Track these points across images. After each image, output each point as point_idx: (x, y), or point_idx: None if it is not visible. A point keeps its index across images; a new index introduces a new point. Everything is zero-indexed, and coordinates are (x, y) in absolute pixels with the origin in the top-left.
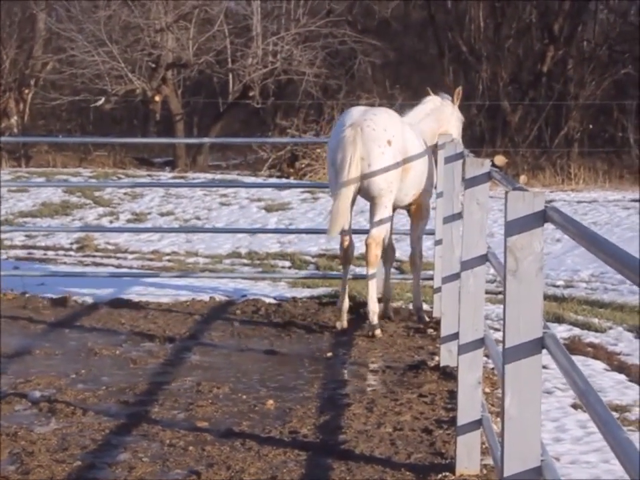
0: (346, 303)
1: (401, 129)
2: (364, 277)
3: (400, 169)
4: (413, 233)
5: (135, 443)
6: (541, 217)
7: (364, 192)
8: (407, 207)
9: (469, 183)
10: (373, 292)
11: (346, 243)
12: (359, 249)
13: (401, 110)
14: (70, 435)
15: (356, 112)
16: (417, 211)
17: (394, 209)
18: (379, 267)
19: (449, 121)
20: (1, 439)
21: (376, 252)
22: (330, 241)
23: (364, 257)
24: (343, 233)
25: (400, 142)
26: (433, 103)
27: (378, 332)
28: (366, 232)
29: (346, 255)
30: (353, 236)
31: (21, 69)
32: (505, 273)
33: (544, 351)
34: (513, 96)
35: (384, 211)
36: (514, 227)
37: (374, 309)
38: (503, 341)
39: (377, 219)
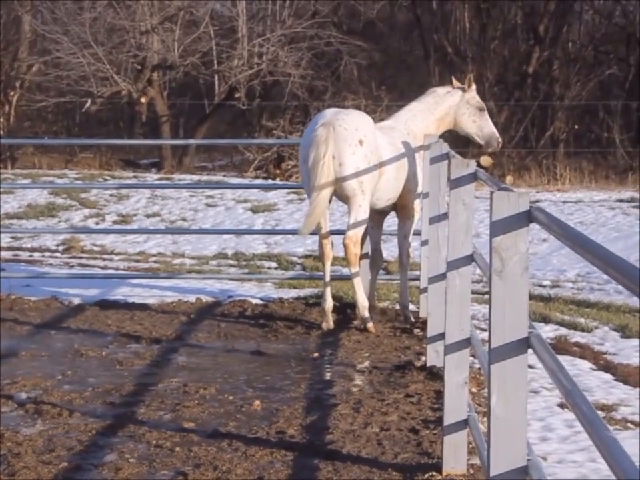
0: (329, 303)
1: (372, 131)
2: (350, 278)
3: (376, 171)
4: (399, 232)
5: (122, 444)
6: (526, 217)
7: (338, 192)
8: (392, 208)
9: (455, 183)
10: (359, 288)
11: (324, 240)
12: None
13: (390, 110)
14: (56, 436)
15: (329, 112)
16: (402, 211)
17: (374, 212)
18: (361, 265)
19: (458, 110)
20: None
21: (355, 251)
22: (316, 241)
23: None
24: (320, 231)
25: (372, 143)
26: (432, 96)
27: (370, 325)
28: (343, 232)
29: (324, 252)
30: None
31: (6, 70)
32: (490, 273)
33: (530, 350)
34: (498, 96)
35: (359, 210)
36: (499, 227)
37: (363, 303)
38: (489, 341)
39: (352, 219)
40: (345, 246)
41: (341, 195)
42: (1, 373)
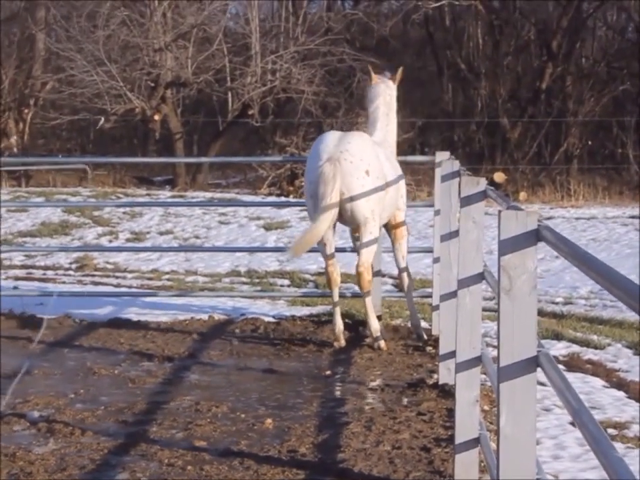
0: (339, 326)
1: (375, 155)
2: (361, 295)
3: (382, 192)
4: (397, 254)
5: (134, 463)
6: (534, 236)
7: (349, 221)
8: (387, 229)
9: (465, 201)
10: (371, 311)
11: (331, 267)
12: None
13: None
14: (68, 455)
15: (330, 141)
16: (397, 229)
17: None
18: (373, 287)
19: (394, 106)
20: (0, 459)
21: (368, 278)
22: None
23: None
24: (327, 257)
25: (377, 168)
26: (383, 97)
27: (382, 344)
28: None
29: (332, 279)
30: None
31: (21, 88)
32: (498, 291)
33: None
34: (512, 113)
35: (370, 237)
36: (507, 246)
37: (375, 326)
38: (498, 360)
39: (364, 246)
40: (359, 274)
41: (352, 223)
42: (14, 392)
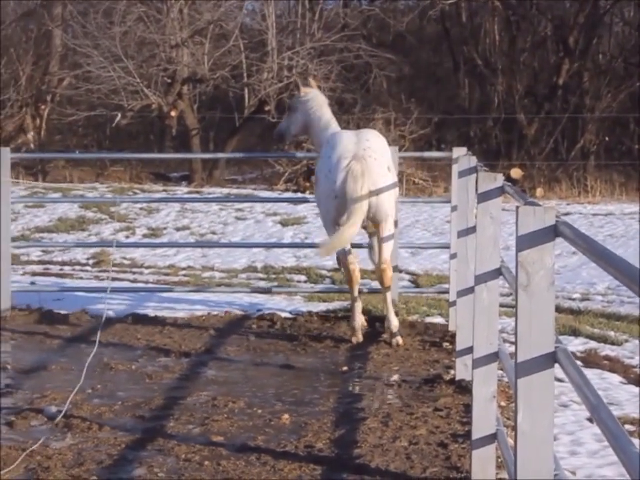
0: (359, 321)
1: (389, 151)
2: (379, 291)
3: (397, 188)
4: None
5: (151, 458)
6: (552, 232)
7: (372, 218)
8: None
9: (482, 197)
10: (391, 307)
11: (352, 265)
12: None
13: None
14: (86, 450)
15: (348, 140)
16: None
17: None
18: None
19: None
20: (17, 453)
21: (390, 274)
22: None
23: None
24: (347, 253)
25: (393, 165)
26: (323, 99)
27: (400, 339)
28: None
29: (353, 278)
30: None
31: (37, 84)
32: (516, 287)
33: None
34: (528, 109)
35: (389, 233)
36: (525, 242)
37: (395, 323)
38: (515, 356)
39: (385, 241)
40: (383, 270)
41: (374, 220)
42: (31, 387)
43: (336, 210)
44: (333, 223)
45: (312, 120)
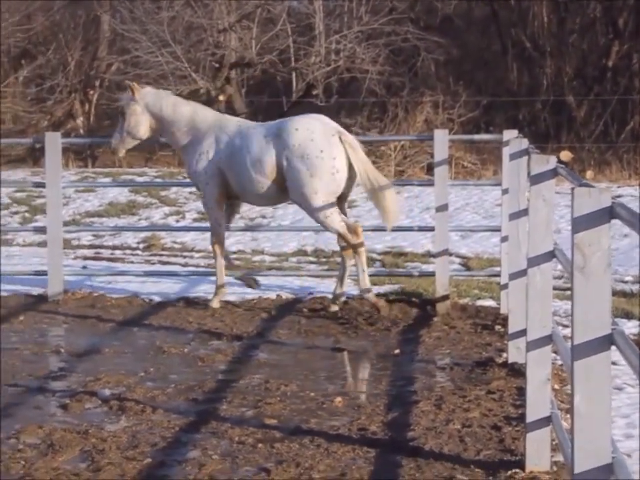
0: (372, 292)
1: None
2: (431, 274)
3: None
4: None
5: (205, 441)
6: (608, 213)
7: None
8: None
9: (535, 179)
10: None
11: (359, 229)
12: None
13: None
14: (140, 433)
15: (323, 121)
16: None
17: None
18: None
19: None
20: (72, 436)
21: None
22: (396, 237)
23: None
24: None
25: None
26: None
27: (381, 303)
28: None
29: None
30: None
31: (86, 70)
32: (572, 269)
33: (613, 347)
34: (577, 91)
35: None
36: (581, 224)
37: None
38: (572, 338)
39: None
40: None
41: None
42: (85, 370)
43: (347, 179)
44: (321, 196)
45: (163, 115)
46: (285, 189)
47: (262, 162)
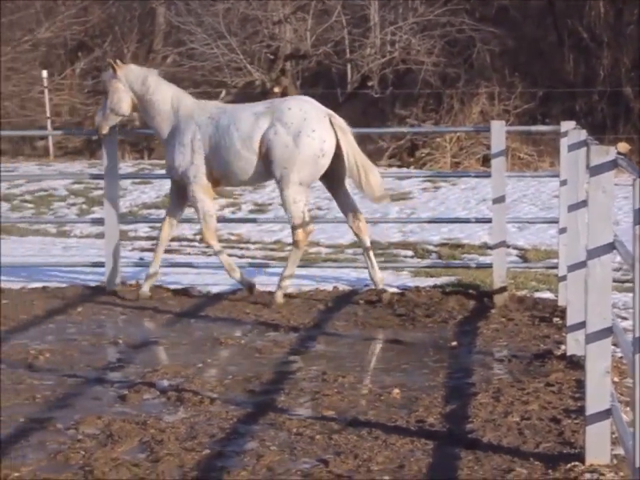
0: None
1: None
2: (488, 266)
3: None
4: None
5: (263, 432)
6: None
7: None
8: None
9: (594, 170)
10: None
11: (310, 232)
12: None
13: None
14: (198, 424)
15: (315, 104)
16: None
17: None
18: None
19: None
20: (131, 427)
21: None
22: (453, 229)
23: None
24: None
25: None
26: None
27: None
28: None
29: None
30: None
31: (142, 62)
32: (633, 261)
33: None
34: (635, 82)
35: None
36: None
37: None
38: (633, 330)
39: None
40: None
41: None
42: (143, 361)
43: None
44: (310, 177)
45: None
46: (269, 163)
47: (252, 138)
